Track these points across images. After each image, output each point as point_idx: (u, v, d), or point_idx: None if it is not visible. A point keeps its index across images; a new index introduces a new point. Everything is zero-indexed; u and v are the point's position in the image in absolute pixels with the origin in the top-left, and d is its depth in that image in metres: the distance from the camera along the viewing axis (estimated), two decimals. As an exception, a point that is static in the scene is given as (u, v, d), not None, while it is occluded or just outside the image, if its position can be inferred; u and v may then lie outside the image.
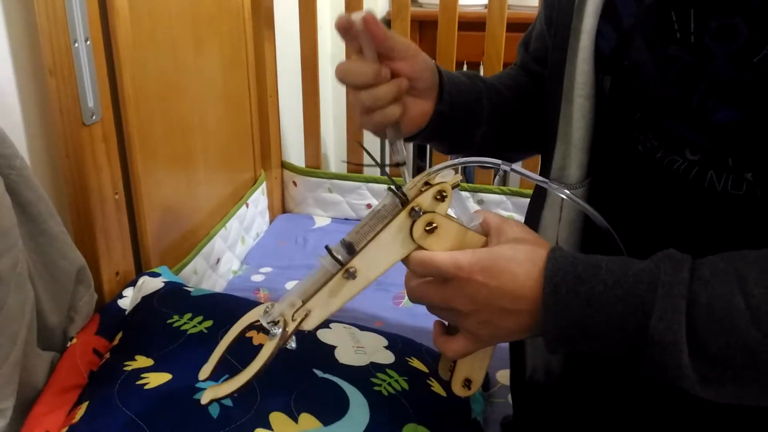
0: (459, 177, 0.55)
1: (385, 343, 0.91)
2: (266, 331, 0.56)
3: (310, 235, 1.52)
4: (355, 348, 0.87)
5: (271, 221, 1.59)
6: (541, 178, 0.58)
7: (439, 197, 0.54)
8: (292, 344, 0.56)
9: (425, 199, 0.54)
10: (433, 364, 0.90)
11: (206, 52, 1.20)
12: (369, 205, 1.58)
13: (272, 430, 0.71)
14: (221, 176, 1.33)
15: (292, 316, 0.55)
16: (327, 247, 0.55)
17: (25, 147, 0.83)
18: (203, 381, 0.59)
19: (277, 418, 0.72)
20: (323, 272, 0.56)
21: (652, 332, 0.47)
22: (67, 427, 0.72)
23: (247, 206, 1.43)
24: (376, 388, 0.79)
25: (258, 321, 0.57)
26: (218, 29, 1.24)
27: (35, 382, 0.78)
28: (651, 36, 0.57)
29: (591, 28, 0.61)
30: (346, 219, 1.60)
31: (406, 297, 1.26)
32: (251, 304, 1.01)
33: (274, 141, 1.55)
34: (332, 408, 0.75)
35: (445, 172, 0.56)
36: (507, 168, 0.56)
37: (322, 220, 1.60)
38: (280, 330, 0.55)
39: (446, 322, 0.60)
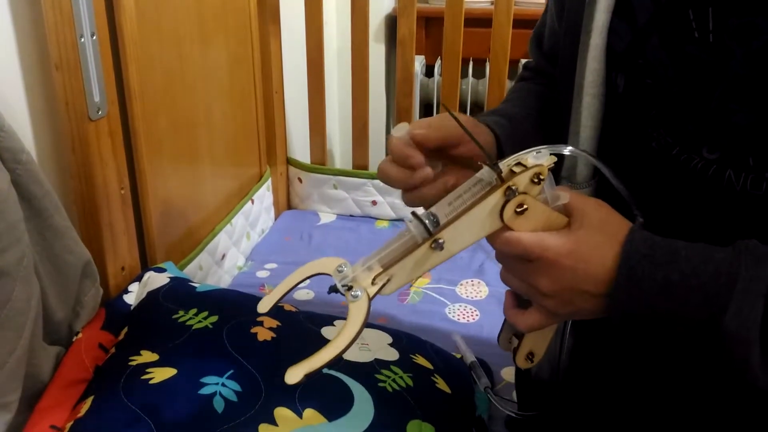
0: (554, 159, 0.55)
1: (390, 340, 0.91)
2: (338, 291, 0.55)
3: (315, 231, 1.52)
4: (360, 344, 0.87)
5: (276, 217, 1.59)
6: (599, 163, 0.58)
7: (535, 180, 0.54)
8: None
9: (522, 180, 0.53)
10: (437, 361, 0.90)
11: (212, 48, 1.20)
12: (374, 202, 1.58)
13: (277, 425, 0.71)
14: (227, 172, 1.33)
15: (372, 280, 0.55)
16: (414, 214, 0.54)
17: (31, 142, 0.83)
18: (264, 314, 0.55)
19: (281, 414, 0.72)
20: (409, 239, 0.55)
21: (726, 326, 0.48)
22: (73, 422, 0.73)
23: (253, 202, 1.43)
24: (380, 384, 0.79)
25: (325, 273, 0.56)
26: (224, 24, 1.24)
27: (41, 376, 0.78)
28: (667, 34, 0.56)
29: (603, 25, 0.60)
30: (351, 216, 1.60)
31: (411, 294, 1.26)
32: (257, 300, 1.01)
33: (279, 137, 1.55)
34: (337, 404, 0.75)
35: (537, 154, 0.55)
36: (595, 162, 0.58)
37: (327, 217, 1.60)
38: (361, 293, 0.54)
39: (517, 294, 0.60)
